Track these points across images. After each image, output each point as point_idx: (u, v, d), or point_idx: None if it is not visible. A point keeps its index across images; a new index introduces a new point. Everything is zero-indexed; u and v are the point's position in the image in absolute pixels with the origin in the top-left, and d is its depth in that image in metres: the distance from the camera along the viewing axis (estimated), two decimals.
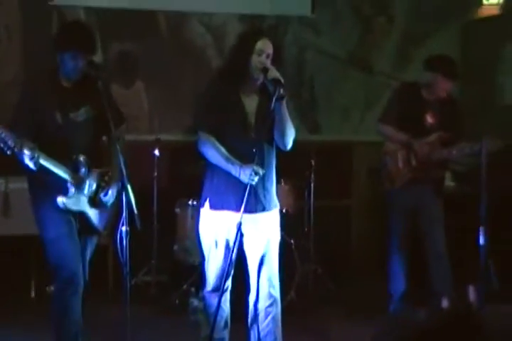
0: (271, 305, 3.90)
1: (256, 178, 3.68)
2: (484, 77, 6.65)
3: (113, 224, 3.97)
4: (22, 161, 3.62)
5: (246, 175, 3.68)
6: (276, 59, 3.80)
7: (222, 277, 3.82)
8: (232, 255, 3.74)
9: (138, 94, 6.38)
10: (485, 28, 6.71)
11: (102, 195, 3.92)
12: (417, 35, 6.87)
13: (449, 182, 5.79)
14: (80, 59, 3.78)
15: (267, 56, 3.76)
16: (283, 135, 3.82)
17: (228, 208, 3.81)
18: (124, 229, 3.63)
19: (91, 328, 4.37)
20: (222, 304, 3.82)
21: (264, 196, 3.86)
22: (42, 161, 3.63)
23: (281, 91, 3.66)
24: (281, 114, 3.76)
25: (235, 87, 3.82)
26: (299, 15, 6.69)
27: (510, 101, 6.47)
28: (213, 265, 3.89)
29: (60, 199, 3.77)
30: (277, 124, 3.79)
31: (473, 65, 6.69)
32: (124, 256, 3.64)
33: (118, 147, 3.71)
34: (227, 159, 3.77)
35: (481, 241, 4.28)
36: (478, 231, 4.28)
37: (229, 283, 3.89)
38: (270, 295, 3.89)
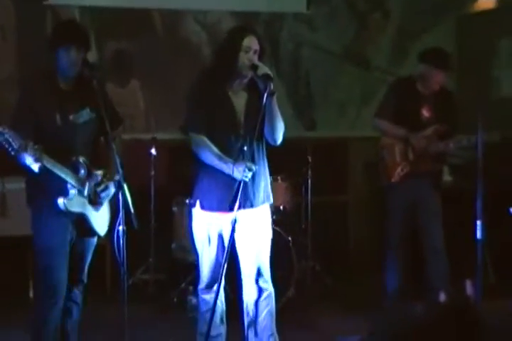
0: (265, 298, 3.92)
1: (249, 174, 3.69)
2: (480, 70, 6.65)
3: (110, 224, 3.97)
4: (24, 163, 3.62)
5: (239, 171, 3.68)
6: (262, 55, 3.80)
7: (216, 274, 3.82)
8: (227, 252, 3.74)
9: (134, 92, 6.37)
10: (481, 22, 6.71)
11: (99, 190, 3.92)
12: (413, 30, 6.86)
13: (446, 177, 5.79)
14: (75, 52, 3.77)
15: (254, 52, 3.76)
16: (273, 130, 3.83)
17: (219, 209, 3.82)
18: (121, 228, 3.63)
19: (89, 327, 4.38)
20: (217, 300, 3.83)
21: (253, 193, 3.87)
22: (45, 163, 3.63)
23: (272, 86, 3.66)
24: (272, 109, 3.76)
25: (222, 84, 3.82)
26: (294, 11, 6.68)
27: (506, 94, 6.46)
28: (206, 262, 3.91)
29: (61, 201, 3.76)
30: (268, 120, 3.79)
31: (469, 58, 6.68)
32: (122, 255, 3.65)
33: (114, 147, 3.71)
34: (219, 158, 3.78)
35: (478, 235, 4.28)
36: (475, 225, 4.28)
37: (223, 279, 3.89)
38: (264, 289, 3.92)
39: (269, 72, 3.69)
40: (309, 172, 5.76)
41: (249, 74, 3.75)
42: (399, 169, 5.03)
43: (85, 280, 4.06)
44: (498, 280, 5.58)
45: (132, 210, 3.63)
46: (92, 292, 4.16)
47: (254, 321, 3.93)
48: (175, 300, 5.33)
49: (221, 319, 3.96)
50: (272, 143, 3.90)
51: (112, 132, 3.77)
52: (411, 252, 5.09)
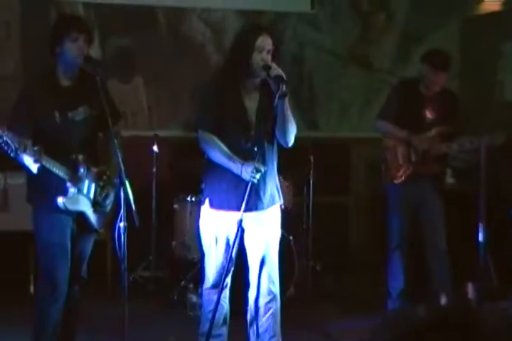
0: (270, 301, 3.91)
1: (258, 176, 3.67)
2: (484, 73, 6.64)
3: (111, 220, 3.97)
4: (23, 164, 3.62)
5: (248, 172, 3.67)
6: (275, 54, 3.79)
7: (222, 273, 3.82)
8: (232, 252, 3.74)
9: (136, 89, 6.37)
10: (485, 25, 6.70)
11: (101, 199, 3.92)
12: (417, 31, 6.86)
13: (448, 179, 5.79)
14: (82, 42, 3.76)
15: (268, 52, 3.74)
16: (285, 132, 3.81)
17: (228, 208, 3.81)
18: (122, 225, 3.63)
19: (89, 323, 4.38)
20: (221, 300, 3.83)
21: (265, 194, 3.85)
22: (44, 163, 3.62)
23: (284, 88, 3.64)
24: (283, 111, 3.74)
25: (235, 84, 3.81)
26: (298, 11, 6.67)
27: (510, 97, 6.45)
28: (213, 261, 3.89)
29: (60, 200, 3.76)
30: (279, 121, 3.77)
31: (474, 61, 6.68)
32: (122, 252, 3.64)
33: (116, 143, 3.70)
34: (228, 157, 3.76)
35: (480, 238, 4.28)
36: (478, 227, 4.28)
37: (228, 279, 3.89)
38: (270, 292, 3.90)
39: (282, 74, 3.67)
40: (311, 172, 5.76)
41: (262, 74, 3.73)
42: (401, 171, 5.03)
43: (85, 277, 4.06)
44: (501, 283, 5.57)
45: (133, 207, 3.63)
46: (92, 288, 4.16)
47: (256, 322, 3.92)
48: (175, 297, 5.33)
49: (224, 319, 3.95)
50: (283, 144, 3.88)
51: (113, 127, 3.75)
52: (413, 254, 5.08)
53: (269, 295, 3.89)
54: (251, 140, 3.78)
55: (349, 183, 6.82)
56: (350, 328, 4.83)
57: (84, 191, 3.86)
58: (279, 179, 5.34)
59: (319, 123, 6.79)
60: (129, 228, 3.63)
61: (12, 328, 4.68)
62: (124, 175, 3.62)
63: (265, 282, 3.88)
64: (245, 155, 3.75)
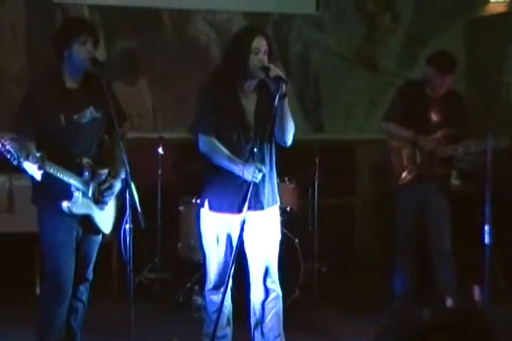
0: (272, 300, 3.92)
1: (259, 176, 3.69)
2: (490, 75, 6.63)
3: (117, 222, 3.97)
4: (26, 172, 3.62)
5: (249, 173, 3.68)
6: (271, 54, 3.79)
7: (224, 274, 3.82)
8: (234, 252, 3.74)
9: (141, 91, 6.38)
10: (491, 26, 6.68)
11: (103, 189, 3.91)
12: (422, 32, 6.85)
13: (454, 181, 5.78)
14: (91, 45, 3.77)
15: (264, 53, 3.75)
16: (284, 132, 3.82)
17: (228, 210, 3.83)
18: (127, 226, 3.63)
19: (95, 325, 4.38)
20: (224, 301, 3.83)
21: (265, 194, 3.87)
22: (48, 169, 3.62)
23: (284, 88, 3.65)
24: (283, 111, 3.75)
25: (232, 86, 3.81)
26: (303, 12, 6.67)
27: None
28: (214, 263, 3.90)
29: (65, 204, 3.76)
30: (279, 121, 3.78)
31: (479, 62, 6.67)
32: (128, 254, 3.65)
33: (121, 145, 3.70)
34: (229, 159, 3.77)
35: (486, 240, 4.26)
36: (483, 230, 4.27)
37: (230, 280, 3.89)
38: (272, 290, 3.91)
39: (281, 74, 3.68)
40: (316, 174, 5.76)
41: (261, 75, 3.74)
42: (406, 172, 5.02)
43: (90, 278, 4.06)
44: (507, 286, 5.56)
45: (139, 209, 3.63)
46: (97, 290, 4.16)
47: (260, 322, 3.92)
48: (180, 299, 5.33)
49: (228, 320, 3.96)
50: (282, 144, 3.89)
51: (119, 129, 3.75)
52: (419, 256, 5.07)
53: (271, 294, 3.91)
54: (250, 141, 3.79)
55: (354, 185, 6.81)
56: (356, 329, 4.83)
57: (89, 194, 3.86)
58: (285, 181, 5.38)
59: (325, 125, 6.78)
60: (134, 230, 3.64)
61: (17, 329, 4.68)
62: (129, 177, 3.63)
63: (266, 282, 3.90)
64: (245, 157, 3.76)
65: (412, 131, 4.97)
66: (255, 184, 3.73)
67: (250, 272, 3.94)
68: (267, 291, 3.90)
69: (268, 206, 3.90)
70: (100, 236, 4.05)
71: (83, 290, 4.05)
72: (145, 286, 5.66)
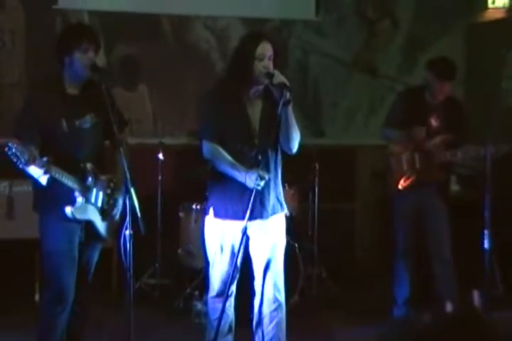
0: (276, 309, 3.89)
1: (262, 183, 3.67)
2: (489, 80, 6.63)
3: (117, 228, 3.97)
4: (31, 176, 3.62)
5: (252, 180, 3.67)
6: (276, 60, 3.77)
7: (227, 282, 3.82)
8: (237, 260, 3.73)
9: (142, 97, 6.39)
10: (490, 32, 6.69)
11: (109, 207, 3.92)
12: (422, 38, 6.87)
13: (453, 186, 5.79)
14: (93, 54, 3.78)
15: (269, 59, 3.74)
16: (289, 139, 3.81)
17: (233, 217, 3.81)
18: (127, 232, 3.63)
19: (94, 331, 4.38)
20: (226, 309, 3.82)
21: (269, 202, 3.85)
22: (54, 174, 3.62)
23: (288, 95, 3.64)
24: (287, 118, 3.74)
25: (238, 93, 3.80)
26: (303, 18, 6.68)
27: None
28: (218, 270, 3.89)
29: (68, 210, 3.76)
30: (283, 129, 3.77)
31: (478, 68, 6.67)
32: (128, 260, 3.64)
33: (122, 151, 3.70)
34: (232, 166, 3.76)
35: (486, 245, 4.27)
36: (483, 235, 4.27)
37: (233, 287, 3.88)
38: (275, 300, 3.89)
39: (285, 81, 3.66)
40: (316, 179, 5.76)
41: (265, 82, 3.73)
42: (405, 177, 5.03)
43: (90, 283, 4.05)
44: (506, 291, 5.56)
45: (139, 215, 3.63)
46: (98, 296, 4.16)
47: (262, 330, 3.90)
48: (180, 305, 5.33)
49: (229, 328, 3.94)
50: (287, 151, 3.87)
51: (119, 135, 3.76)
52: (417, 261, 5.07)
53: (274, 303, 3.88)
54: (255, 148, 3.78)
55: (354, 190, 6.81)
56: (356, 335, 4.82)
57: (92, 200, 3.86)
58: (284, 186, 5.38)
59: (324, 130, 6.79)
60: (134, 236, 3.63)
61: (16, 336, 4.67)
62: (129, 183, 3.63)
63: (271, 290, 3.88)
64: (249, 164, 3.75)
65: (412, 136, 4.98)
66: (261, 191, 3.72)
67: (255, 281, 3.92)
68: (271, 301, 3.88)
69: (273, 213, 3.88)
70: (101, 244, 4.05)
71: (83, 296, 4.03)
72: (145, 292, 5.66)
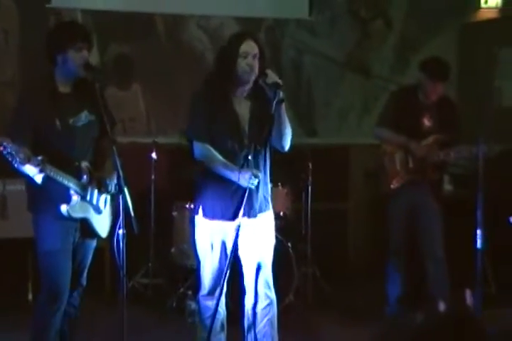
0: (267, 306, 3.91)
1: (256, 182, 3.69)
2: (481, 80, 6.65)
3: (110, 227, 3.97)
4: (27, 175, 3.62)
5: (245, 179, 3.67)
6: (263, 58, 3.77)
7: (218, 280, 3.82)
8: (230, 258, 3.74)
9: (135, 96, 6.38)
10: (483, 32, 6.71)
11: (102, 204, 3.92)
12: (415, 38, 6.88)
13: (446, 186, 5.80)
14: (86, 52, 3.77)
15: (254, 57, 3.74)
16: (282, 137, 3.82)
17: (222, 217, 3.83)
18: (120, 232, 3.62)
19: (87, 330, 4.37)
20: (218, 307, 3.82)
21: (257, 200, 3.86)
22: (49, 173, 3.61)
23: (281, 94, 3.65)
24: (280, 117, 3.75)
25: (225, 92, 3.81)
26: (296, 18, 6.69)
27: (507, 104, 6.47)
28: (209, 269, 3.90)
29: (64, 208, 3.76)
30: (276, 127, 3.77)
31: (471, 68, 6.69)
32: (121, 259, 3.64)
33: (114, 149, 3.69)
34: (224, 165, 3.77)
35: (478, 244, 4.28)
36: (475, 234, 4.28)
37: (225, 286, 3.89)
38: (266, 297, 3.90)
39: (279, 80, 3.67)
40: (310, 178, 5.77)
41: (251, 80, 3.74)
42: (398, 177, 5.04)
43: (84, 284, 4.05)
44: (499, 290, 5.57)
45: (132, 214, 3.63)
46: (90, 295, 4.15)
47: (254, 328, 3.91)
48: (173, 304, 5.33)
49: (221, 326, 3.95)
50: (280, 149, 3.88)
51: (112, 135, 3.75)
52: (411, 261, 5.08)
53: (265, 300, 3.90)
54: (244, 148, 3.79)
55: (348, 189, 6.82)
56: (350, 334, 4.83)
57: (88, 198, 3.86)
58: (278, 185, 5.39)
59: (318, 130, 6.80)
60: (127, 235, 3.63)
61: (9, 335, 4.67)
62: (122, 182, 3.63)
63: (261, 287, 3.89)
64: (239, 163, 3.76)
65: (405, 136, 4.98)
66: (249, 190, 3.73)
67: (245, 278, 3.93)
68: (262, 298, 3.89)
69: (261, 212, 3.90)
70: (95, 241, 4.05)
71: (76, 295, 4.03)
72: (138, 291, 5.65)
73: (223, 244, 3.86)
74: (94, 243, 4.03)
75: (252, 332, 3.93)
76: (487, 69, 6.62)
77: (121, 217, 3.60)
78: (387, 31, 6.91)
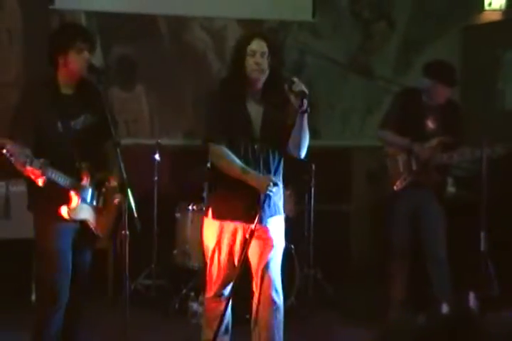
0: (274, 310, 3.88)
1: (275, 189, 3.68)
2: (484, 82, 6.65)
3: (113, 228, 3.97)
4: (28, 177, 3.62)
5: (264, 186, 3.67)
6: (274, 57, 3.78)
7: (225, 283, 3.82)
8: (241, 261, 3.73)
9: (138, 98, 6.38)
10: (486, 34, 6.70)
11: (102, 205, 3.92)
12: (418, 40, 6.88)
13: (450, 188, 5.79)
14: (86, 52, 3.77)
15: (262, 55, 3.74)
16: (300, 146, 3.80)
17: (232, 218, 3.81)
18: (124, 233, 3.63)
19: (90, 332, 4.37)
20: (227, 309, 3.81)
21: (269, 205, 3.84)
22: (50, 175, 3.62)
23: (307, 104, 3.61)
24: (302, 126, 3.72)
25: (240, 94, 3.80)
26: (299, 19, 6.69)
27: (510, 107, 6.46)
28: (216, 271, 3.89)
29: (64, 210, 3.76)
30: (296, 136, 3.75)
31: (474, 70, 6.69)
32: (124, 260, 3.64)
33: (118, 151, 3.70)
34: (242, 170, 3.74)
35: (482, 246, 4.28)
36: (479, 236, 4.28)
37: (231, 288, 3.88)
38: (273, 301, 3.88)
39: (305, 89, 3.62)
40: (312, 180, 5.76)
41: (260, 78, 3.75)
42: (402, 179, 5.04)
43: (86, 285, 4.06)
44: (502, 293, 5.56)
45: (135, 215, 3.63)
46: (93, 296, 4.16)
47: (259, 331, 3.89)
48: (176, 305, 5.33)
49: (226, 328, 3.94)
50: (296, 157, 3.86)
51: (116, 136, 3.76)
52: (413, 262, 5.08)
53: (272, 304, 3.87)
54: (256, 152, 3.78)
55: (351, 191, 6.81)
56: (352, 336, 4.83)
57: (88, 199, 3.87)
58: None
59: (320, 132, 6.79)
60: (130, 236, 3.63)
61: (12, 336, 4.67)
62: (126, 183, 3.63)
63: (269, 292, 3.86)
64: (251, 167, 3.75)
65: (408, 138, 4.98)
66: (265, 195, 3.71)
67: (254, 282, 3.91)
68: (269, 302, 3.86)
69: (271, 216, 3.87)
70: (95, 242, 4.05)
71: (79, 296, 4.03)
72: (141, 293, 5.65)
73: (231, 246, 3.85)
74: (94, 244, 4.03)
75: (258, 336, 3.90)
76: (490, 71, 6.62)
77: (124, 218, 3.61)
78: (390, 33, 6.90)
